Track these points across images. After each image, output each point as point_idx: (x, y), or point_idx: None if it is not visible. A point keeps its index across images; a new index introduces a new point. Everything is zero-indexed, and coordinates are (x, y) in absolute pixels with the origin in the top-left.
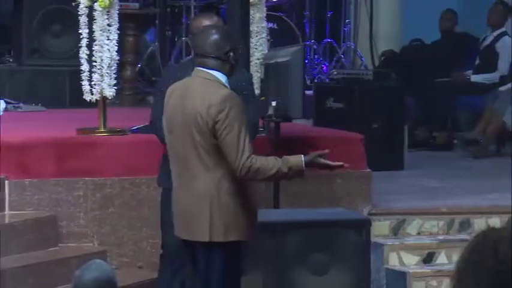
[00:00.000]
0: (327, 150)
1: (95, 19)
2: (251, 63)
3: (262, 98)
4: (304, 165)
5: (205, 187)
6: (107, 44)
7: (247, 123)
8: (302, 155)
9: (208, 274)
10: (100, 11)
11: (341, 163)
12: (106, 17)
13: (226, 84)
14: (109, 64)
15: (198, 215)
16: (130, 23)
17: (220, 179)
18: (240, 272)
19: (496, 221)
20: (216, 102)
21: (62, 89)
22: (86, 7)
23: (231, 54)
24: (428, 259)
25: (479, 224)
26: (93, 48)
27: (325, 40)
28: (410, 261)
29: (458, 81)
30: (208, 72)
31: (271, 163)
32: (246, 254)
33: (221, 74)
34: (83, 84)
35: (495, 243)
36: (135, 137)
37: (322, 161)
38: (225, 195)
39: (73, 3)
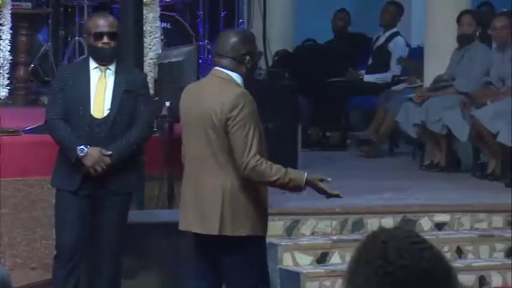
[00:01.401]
0: (329, 179)
1: None
2: (145, 63)
3: (156, 98)
4: (304, 183)
5: (218, 182)
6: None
7: (255, 126)
8: (306, 173)
9: (225, 266)
10: None
11: (337, 192)
12: None
13: (242, 85)
14: (1, 64)
15: (210, 208)
16: (23, 23)
17: (233, 175)
18: (261, 266)
19: (389, 221)
20: (229, 100)
21: None
22: None
23: (247, 57)
24: (322, 259)
25: (373, 224)
26: None
27: None
28: (304, 262)
29: (351, 79)
30: (224, 72)
31: (274, 170)
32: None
33: (236, 75)
34: None
35: (384, 244)
36: (28, 137)
37: (321, 185)
38: (237, 191)
39: None
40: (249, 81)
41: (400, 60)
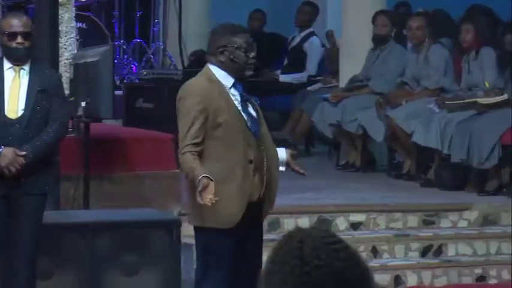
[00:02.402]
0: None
1: None
2: (60, 64)
3: (72, 99)
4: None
5: None
6: None
7: (195, 117)
8: (202, 175)
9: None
10: None
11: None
12: None
13: (219, 78)
14: None
15: None
16: None
17: None
18: (222, 257)
19: (305, 221)
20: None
21: None
22: None
23: (220, 50)
24: None
25: (289, 223)
26: None
27: (134, 40)
28: None
29: (266, 79)
30: (207, 66)
31: (189, 165)
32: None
33: (216, 68)
34: None
35: (300, 244)
36: None
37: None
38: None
39: None
40: (241, 75)
41: None
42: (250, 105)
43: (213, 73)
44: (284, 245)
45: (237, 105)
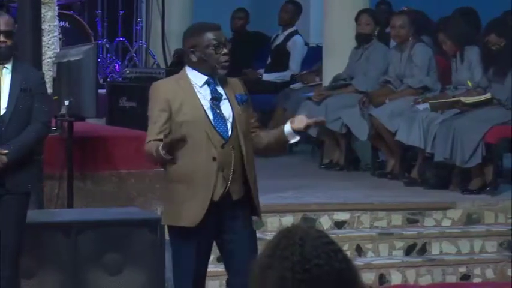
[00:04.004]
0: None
1: None
2: (43, 62)
3: (55, 97)
4: (161, 148)
5: None
6: None
7: (154, 116)
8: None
9: None
10: None
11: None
12: None
13: (191, 77)
14: None
15: None
16: None
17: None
18: (189, 258)
19: (289, 220)
20: None
21: None
22: None
23: (192, 50)
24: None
25: (273, 222)
26: None
27: (117, 39)
28: None
29: (249, 78)
30: (184, 67)
31: (150, 146)
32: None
33: (189, 68)
34: None
35: (302, 241)
36: None
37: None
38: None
39: None
40: (215, 74)
41: None
42: (224, 103)
43: (186, 73)
44: (283, 241)
45: (205, 103)
